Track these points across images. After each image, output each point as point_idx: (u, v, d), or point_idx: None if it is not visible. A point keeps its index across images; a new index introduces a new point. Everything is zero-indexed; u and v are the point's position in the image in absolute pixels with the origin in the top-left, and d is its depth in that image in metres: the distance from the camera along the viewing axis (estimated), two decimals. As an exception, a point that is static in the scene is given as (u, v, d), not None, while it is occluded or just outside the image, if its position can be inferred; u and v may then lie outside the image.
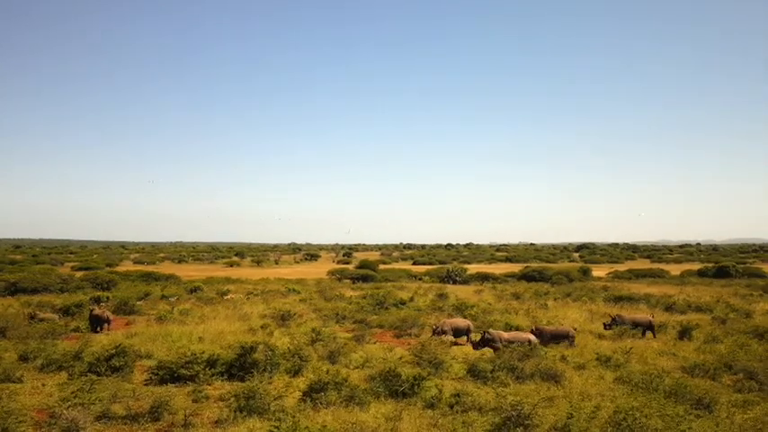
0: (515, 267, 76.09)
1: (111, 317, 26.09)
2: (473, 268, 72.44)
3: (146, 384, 15.26)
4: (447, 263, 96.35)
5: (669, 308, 30.72)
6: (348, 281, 57.74)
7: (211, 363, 16.12)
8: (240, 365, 16.07)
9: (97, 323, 24.59)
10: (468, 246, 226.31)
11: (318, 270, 78.10)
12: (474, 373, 15.74)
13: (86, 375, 15.25)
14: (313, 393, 13.17)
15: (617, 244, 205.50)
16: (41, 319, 25.37)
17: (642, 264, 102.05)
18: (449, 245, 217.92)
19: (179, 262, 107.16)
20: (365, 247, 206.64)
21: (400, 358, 17.39)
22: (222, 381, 15.82)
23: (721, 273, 63.73)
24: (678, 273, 68.97)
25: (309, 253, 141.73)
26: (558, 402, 12.67)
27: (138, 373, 16.44)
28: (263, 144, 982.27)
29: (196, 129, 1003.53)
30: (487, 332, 18.59)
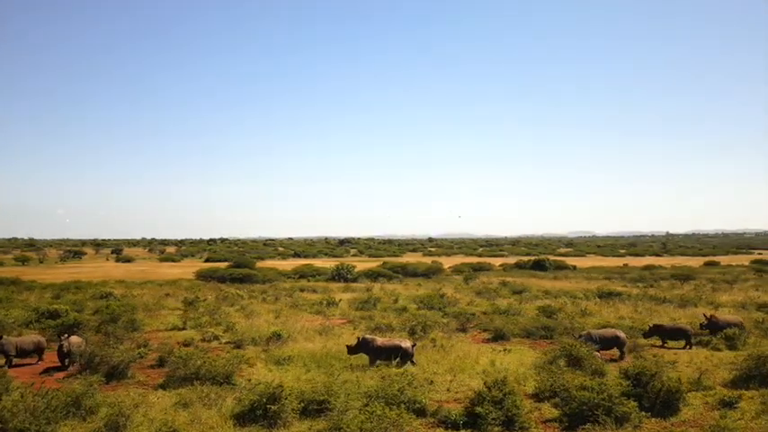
0: (372, 263, 78.71)
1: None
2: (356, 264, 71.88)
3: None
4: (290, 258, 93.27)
5: (682, 305, 31.89)
6: (214, 281, 51.60)
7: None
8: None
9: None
10: (236, 241, 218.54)
11: (163, 271, 68.37)
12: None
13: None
14: None
15: (372, 238, 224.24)
16: None
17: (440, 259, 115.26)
18: (222, 239, 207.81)
19: None
20: (128, 243, 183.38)
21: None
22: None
23: (537, 266, 77.19)
24: (498, 265, 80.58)
25: (74, 250, 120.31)
26: None
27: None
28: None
29: None
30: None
